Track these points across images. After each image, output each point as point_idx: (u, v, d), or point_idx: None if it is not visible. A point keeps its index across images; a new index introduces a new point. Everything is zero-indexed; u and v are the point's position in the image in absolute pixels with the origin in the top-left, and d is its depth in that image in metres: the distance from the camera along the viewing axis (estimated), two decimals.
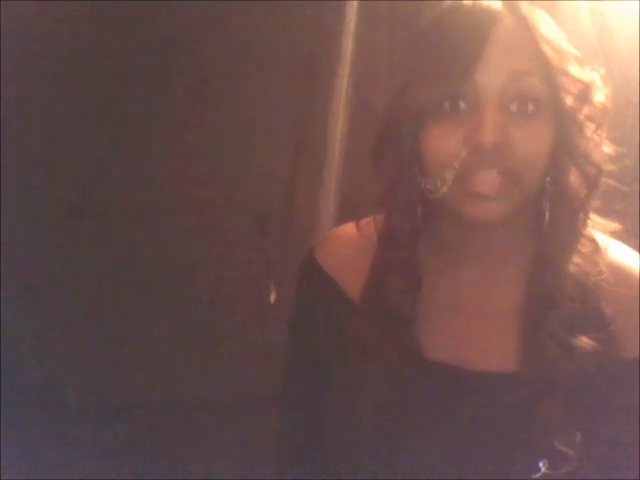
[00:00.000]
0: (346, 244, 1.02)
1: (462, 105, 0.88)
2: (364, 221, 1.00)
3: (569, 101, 0.90)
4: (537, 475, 0.87)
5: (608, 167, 0.93)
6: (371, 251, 0.98)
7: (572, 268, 0.92)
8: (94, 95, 1.32)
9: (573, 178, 0.92)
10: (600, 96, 0.92)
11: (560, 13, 1.01)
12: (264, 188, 1.39)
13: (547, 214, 0.92)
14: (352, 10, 1.36)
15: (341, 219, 1.42)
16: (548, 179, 0.91)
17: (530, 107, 0.88)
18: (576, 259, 0.92)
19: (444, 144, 0.88)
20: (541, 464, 0.87)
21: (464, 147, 0.86)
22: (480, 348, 0.93)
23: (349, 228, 1.03)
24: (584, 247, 0.94)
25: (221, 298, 1.39)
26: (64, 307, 1.34)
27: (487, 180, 0.87)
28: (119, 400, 1.35)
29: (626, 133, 1.00)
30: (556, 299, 0.90)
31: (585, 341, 0.89)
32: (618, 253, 0.96)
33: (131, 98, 1.33)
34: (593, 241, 0.94)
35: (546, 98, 0.89)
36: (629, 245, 0.99)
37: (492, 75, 0.87)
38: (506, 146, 0.86)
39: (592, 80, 0.92)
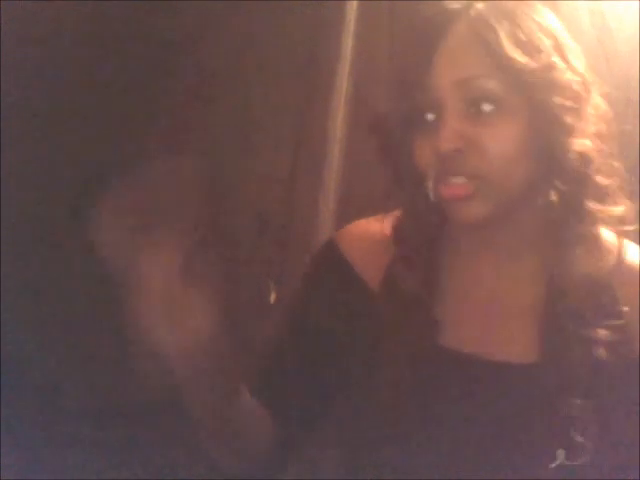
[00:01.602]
0: (368, 235, 1.03)
1: (429, 116, 0.89)
2: (387, 215, 1.02)
3: (537, 95, 0.87)
4: (554, 464, 0.87)
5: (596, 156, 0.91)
6: (390, 244, 0.99)
7: (586, 263, 0.92)
8: (94, 95, 1.32)
9: (567, 172, 0.90)
10: (574, 84, 0.89)
11: (560, 13, 1.01)
12: (264, 188, 1.39)
13: (549, 209, 0.91)
14: (352, 10, 1.36)
15: (341, 219, 1.43)
16: (536, 170, 0.90)
17: (487, 108, 0.87)
18: (589, 255, 0.93)
19: (420, 154, 0.90)
20: (558, 454, 0.87)
21: (433, 156, 0.88)
22: (498, 339, 0.94)
23: (372, 221, 1.04)
24: (596, 244, 0.94)
25: (221, 298, 1.39)
26: (64, 307, 1.34)
27: (456, 184, 0.88)
28: (119, 400, 1.35)
29: (626, 133, 1.00)
30: (573, 291, 0.91)
31: (602, 333, 0.90)
32: (629, 251, 0.96)
33: (131, 98, 1.33)
34: (605, 240, 0.94)
35: (506, 96, 0.87)
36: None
37: (443, 79, 0.88)
38: (466, 150, 0.87)
39: (553, 64, 0.88)
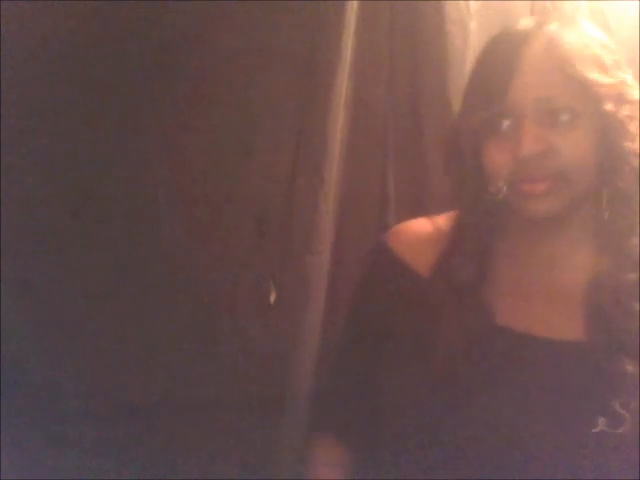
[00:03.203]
0: (416, 232, 1.18)
1: (506, 122, 1.03)
2: (436, 216, 1.17)
3: (608, 107, 1.02)
4: (595, 430, 0.98)
5: None
6: (442, 239, 1.13)
7: (632, 245, 1.05)
8: (94, 95, 1.32)
9: (625, 171, 1.04)
10: (636, 94, 1.05)
11: (560, 13, 1.02)
12: (264, 188, 1.39)
13: (605, 204, 1.05)
14: (352, 10, 1.36)
15: (341, 219, 1.43)
16: (602, 171, 1.03)
17: (564, 117, 1.01)
18: (636, 238, 1.06)
19: (496, 158, 1.04)
20: (600, 421, 0.98)
21: (512, 159, 1.02)
22: (549, 318, 1.06)
23: (419, 220, 1.19)
24: None
25: (221, 298, 1.39)
26: (64, 307, 1.34)
27: (534, 183, 1.02)
28: (119, 400, 1.35)
29: None
30: (619, 270, 1.04)
31: None
32: None
33: (131, 98, 1.33)
34: None
35: (580, 107, 1.01)
36: None
37: (525, 96, 1.02)
38: (545, 153, 1.01)
39: (624, 81, 1.04)
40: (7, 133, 1.28)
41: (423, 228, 1.17)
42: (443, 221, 1.16)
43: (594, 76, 1.02)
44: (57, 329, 1.34)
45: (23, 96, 1.29)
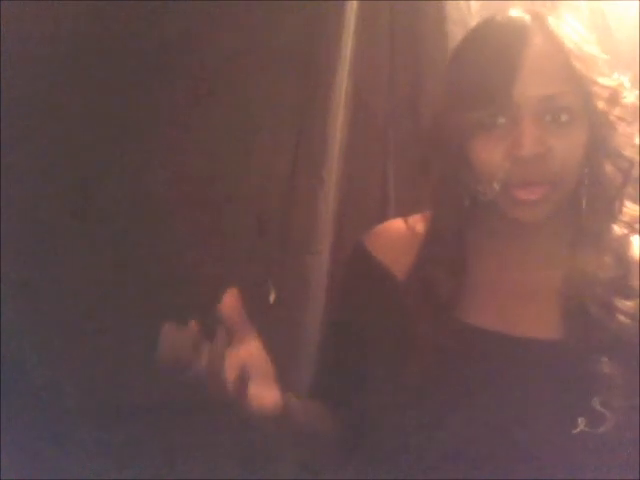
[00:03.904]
0: (394, 234, 1.13)
1: (501, 120, 0.97)
2: (412, 217, 1.12)
3: (600, 105, 0.98)
4: (575, 430, 0.94)
5: None
6: (418, 240, 1.08)
7: (611, 244, 1.02)
8: (94, 95, 1.32)
9: (608, 171, 1.01)
10: (630, 97, 1.01)
11: (562, 18, 1.02)
12: (264, 188, 1.39)
13: (585, 204, 1.01)
14: (352, 10, 1.36)
15: (341, 219, 1.43)
16: (586, 170, 1.00)
17: (564, 117, 0.96)
18: (614, 237, 1.03)
19: (488, 156, 0.97)
20: (580, 421, 0.94)
21: (507, 159, 0.96)
22: (522, 317, 1.02)
23: (396, 222, 1.14)
24: (620, 229, 1.04)
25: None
26: (64, 307, 1.34)
27: (530, 188, 0.96)
28: (119, 400, 1.35)
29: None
30: (596, 271, 1.00)
31: (627, 304, 0.99)
32: None
33: (131, 98, 1.33)
34: (628, 224, 1.04)
35: (579, 107, 0.97)
36: None
37: (527, 93, 0.95)
38: (544, 156, 0.95)
39: (620, 84, 1.00)
40: (7, 133, 1.28)
41: (401, 229, 1.12)
42: (419, 222, 1.11)
43: (595, 75, 0.99)
44: (57, 329, 1.34)
45: (23, 96, 1.29)
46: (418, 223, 1.11)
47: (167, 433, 1.37)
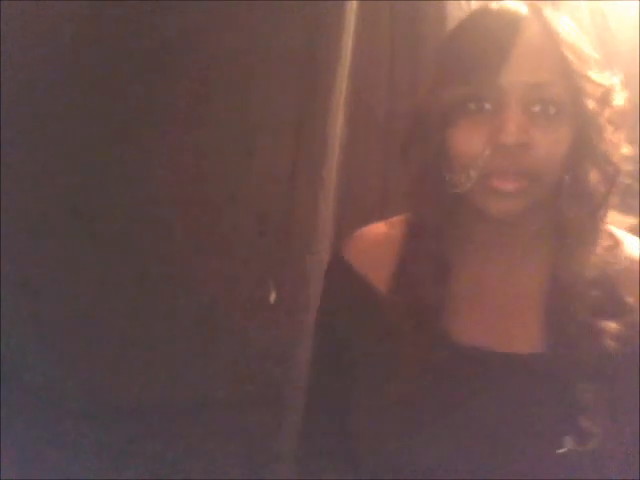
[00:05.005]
0: (372, 241, 1.09)
1: (487, 106, 0.93)
2: (391, 219, 1.08)
3: (590, 105, 0.95)
4: (561, 451, 0.90)
5: (627, 167, 0.98)
6: (397, 245, 1.04)
7: (593, 257, 0.97)
8: (94, 95, 1.32)
9: (593, 177, 0.97)
10: (619, 99, 0.97)
11: (560, 13, 1.02)
12: (264, 188, 1.39)
13: (567, 209, 0.97)
14: (352, 10, 1.36)
15: (341, 219, 1.43)
16: (567, 177, 0.96)
17: (552, 110, 0.92)
18: (596, 250, 0.98)
19: (469, 143, 0.93)
20: (566, 440, 0.91)
21: (487, 146, 0.91)
22: (506, 331, 0.98)
23: (374, 227, 1.10)
24: (604, 240, 0.99)
25: (221, 298, 1.39)
26: (64, 307, 1.34)
27: (508, 178, 0.92)
28: (119, 400, 1.35)
29: (626, 133, 1.02)
30: (579, 284, 0.96)
31: (608, 324, 0.94)
32: (635, 247, 1.01)
33: (131, 98, 1.33)
34: (612, 235, 1.00)
35: (567, 101, 0.93)
36: None
37: (516, 80, 0.92)
38: (527, 146, 0.91)
39: (612, 84, 0.97)
40: (7, 133, 1.28)
41: (379, 234, 1.08)
42: (398, 224, 1.07)
43: (589, 72, 0.95)
44: (57, 329, 1.34)
45: (23, 96, 1.29)
46: (397, 226, 1.07)
47: (167, 433, 1.37)
